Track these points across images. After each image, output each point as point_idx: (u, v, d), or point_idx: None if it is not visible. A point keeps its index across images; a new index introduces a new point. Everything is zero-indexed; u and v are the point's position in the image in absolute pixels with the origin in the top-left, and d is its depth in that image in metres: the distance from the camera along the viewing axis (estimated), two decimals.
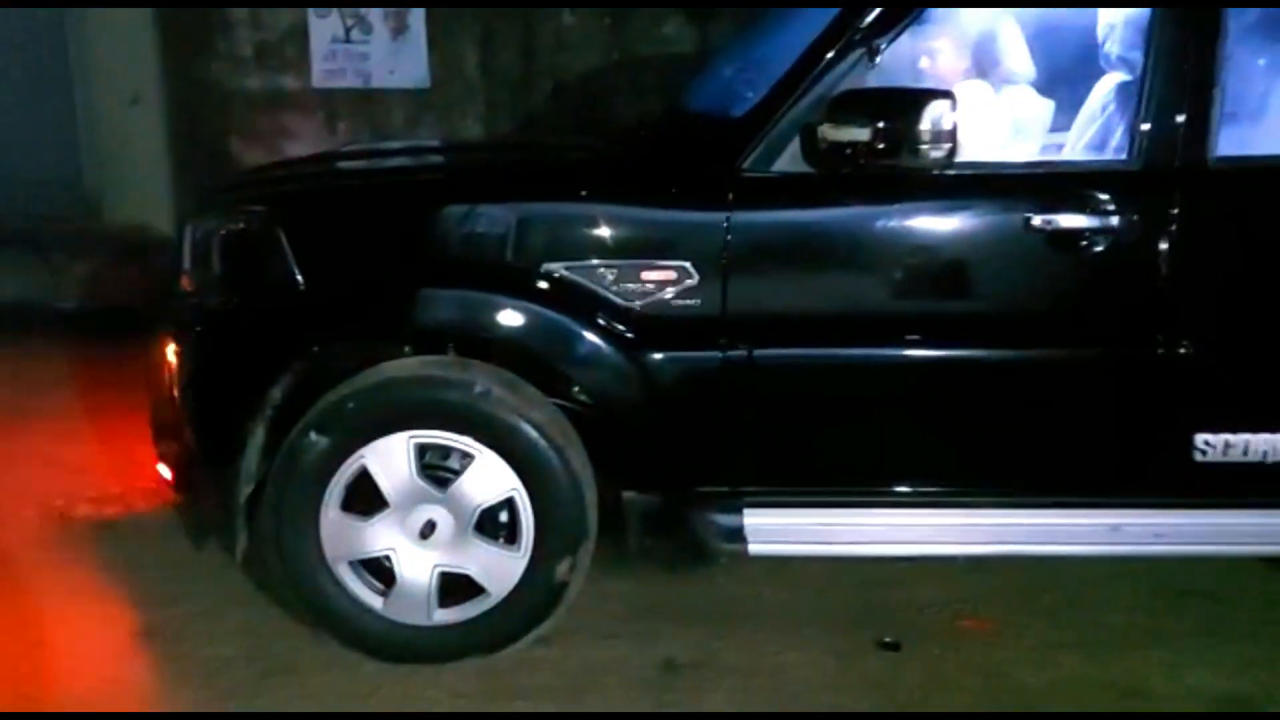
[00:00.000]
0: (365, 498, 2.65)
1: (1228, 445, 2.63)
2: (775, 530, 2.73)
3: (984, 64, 3.14)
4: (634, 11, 6.22)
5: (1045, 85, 3.03)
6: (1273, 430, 2.62)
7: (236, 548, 2.73)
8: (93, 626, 2.98)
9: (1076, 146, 2.82)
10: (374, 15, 5.97)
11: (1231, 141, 2.56)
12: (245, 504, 2.68)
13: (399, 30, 5.98)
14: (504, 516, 2.67)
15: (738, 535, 2.71)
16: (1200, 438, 2.63)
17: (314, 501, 2.61)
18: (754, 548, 2.70)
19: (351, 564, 2.69)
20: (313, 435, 2.58)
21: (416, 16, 5.97)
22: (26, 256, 6.13)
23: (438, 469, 2.64)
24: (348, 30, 5.98)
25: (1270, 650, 2.82)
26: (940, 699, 2.65)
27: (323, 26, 5.99)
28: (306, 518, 2.62)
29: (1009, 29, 3.15)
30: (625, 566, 3.10)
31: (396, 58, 6.01)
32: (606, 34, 6.24)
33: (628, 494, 2.70)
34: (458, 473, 2.63)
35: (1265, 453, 2.63)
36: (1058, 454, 2.73)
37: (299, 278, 2.64)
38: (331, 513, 2.63)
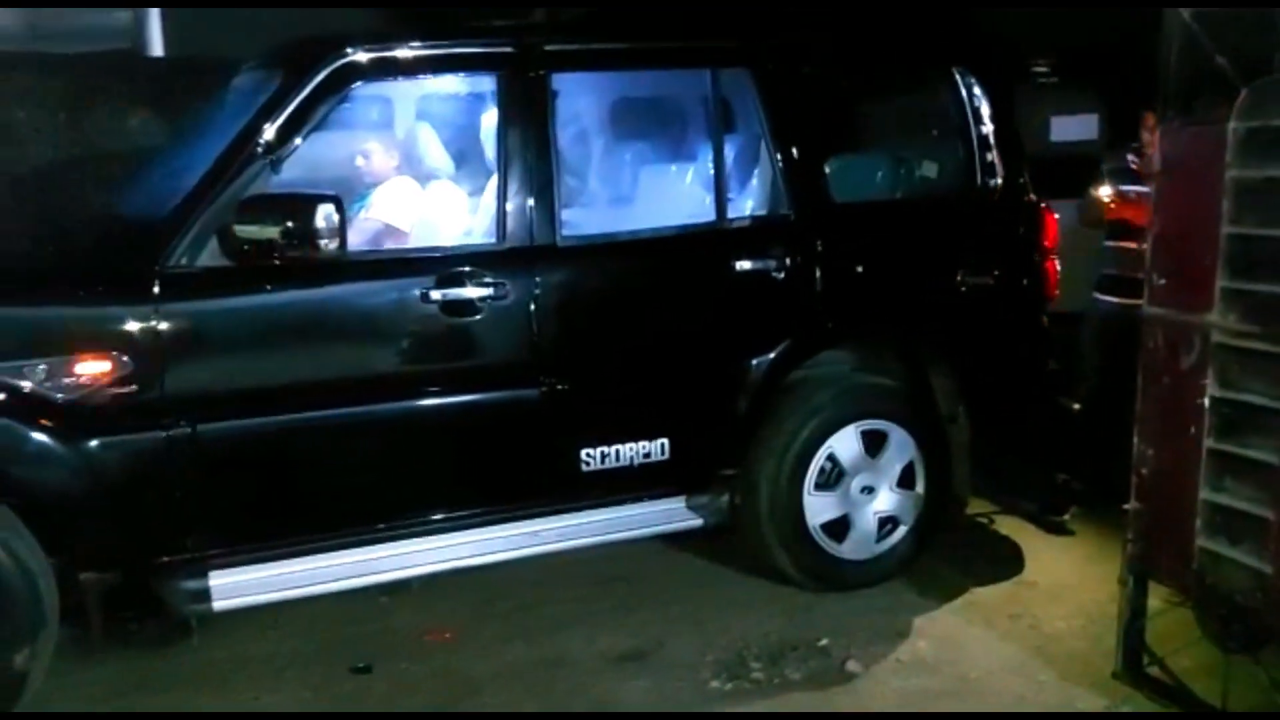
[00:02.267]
0: None
1: (604, 455, 3.38)
2: (240, 586, 3.02)
3: (412, 163, 3.74)
4: (93, 105, 6.17)
5: (460, 180, 3.68)
6: (634, 440, 3.41)
7: None
8: None
9: (470, 231, 3.47)
10: None
11: (574, 224, 3.34)
12: None
13: None
14: None
15: (204, 596, 2.97)
16: (584, 452, 3.35)
17: None
18: (219, 604, 2.98)
19: None
20: None
21: None
22: None
23: None
24: None
25: (643, 613, 3.61)
26: (405, 702, 3.11)
27: None
28: None
29: (425, 134, 3.77)
30: (107, 651, 3.20)
31: None
32: (63, 129, 6.11)
33: (86, 575, 2.85)
34: None
35: (631, 457, 3.41)
36: (482, 480, 3.31)
37: None
38: None
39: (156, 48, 9.04)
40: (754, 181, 3.60)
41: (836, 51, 3.67)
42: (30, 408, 2.72)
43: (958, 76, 3.73)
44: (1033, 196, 3.84)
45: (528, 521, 3.39)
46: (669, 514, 3.56)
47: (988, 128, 3.74)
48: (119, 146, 6.03)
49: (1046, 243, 3.84)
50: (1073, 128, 5.44)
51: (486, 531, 3.35)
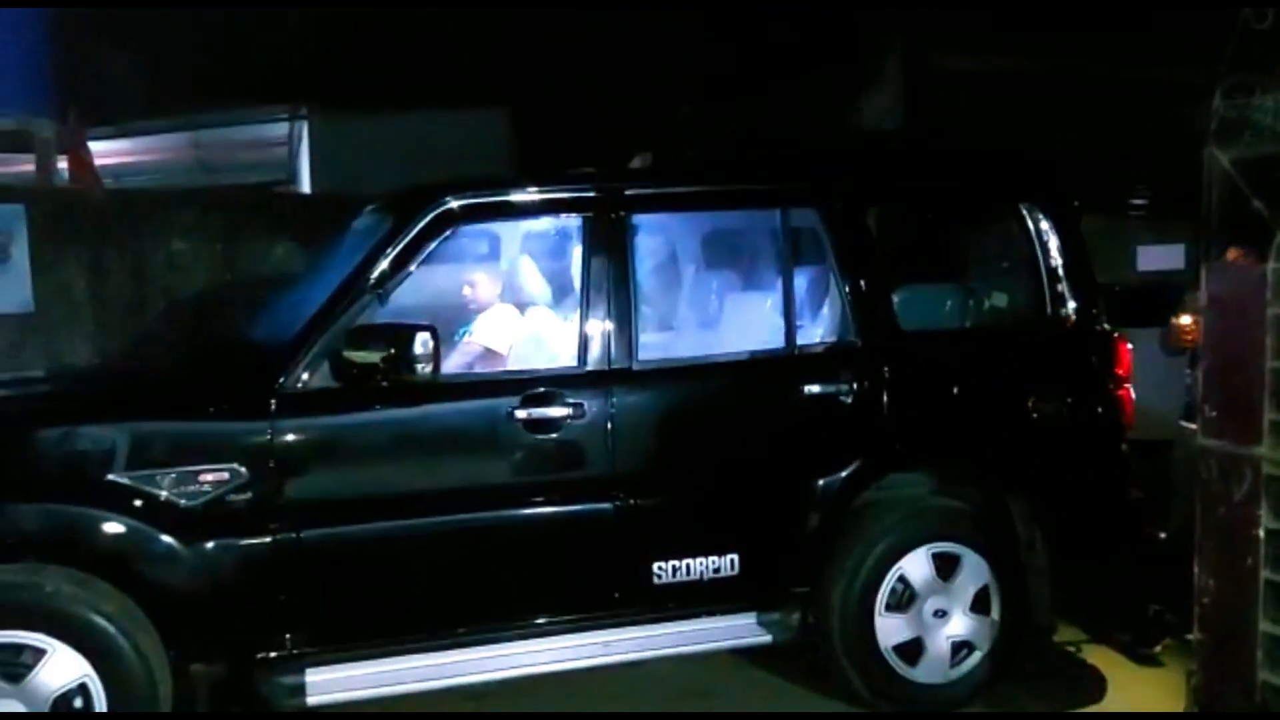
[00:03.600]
0: None
1: (676, 569, 3.54)
2: (333, 683, 3.27)
3: (512, 291, 4.07)
4: (244, 237, 6.87)
5: (553, 308, 3.99)
6: (705, 555, 3.55)
7: None
8: None
9: (555, 355, 3.75)
10: None
11: (650, 349, 3.59)
12: None
13: (1, 259, 6.19)
14: (79, 701, 3.01)
15: (300, 691, 3.23)
16: (656, 565, 3.52)
17: None
18: (313, 699, 3.22)
19: None
20: None
21: (19, 246, 6.22)
22: None
23: (11, 665, 2.95)
24: None
25: None
26: None
27: None
28: None
29: (525, 266, 4.11)
30: None
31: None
32: (218, 258, 6.80)
33: (196, 666, 3.15)
34: (31, 667, 2.95)
35: (702, 572, 3.56)
36: (558, 589, 3.51)
37: None
38: None
39: (306, 184, 9.98)
40: (823, 311, 3.79)
41: (904, 190, 3.87)
42: (159, 513, 3.07)
43: (1025, 211, 3.88)
44: (1105, 325, 3.91)
45: (601, 631, 3.55)
46: (740, 629, 3.67)
47: (1056, 260, 3.86)
48: (263, 275, 6.68)
49: (1120, 371, 3.88)
50: (1158, 258, 5.46)
51: (562, 640, 3.53)
